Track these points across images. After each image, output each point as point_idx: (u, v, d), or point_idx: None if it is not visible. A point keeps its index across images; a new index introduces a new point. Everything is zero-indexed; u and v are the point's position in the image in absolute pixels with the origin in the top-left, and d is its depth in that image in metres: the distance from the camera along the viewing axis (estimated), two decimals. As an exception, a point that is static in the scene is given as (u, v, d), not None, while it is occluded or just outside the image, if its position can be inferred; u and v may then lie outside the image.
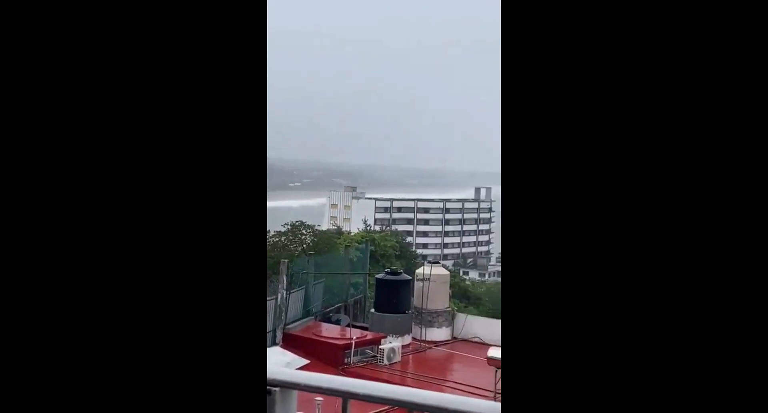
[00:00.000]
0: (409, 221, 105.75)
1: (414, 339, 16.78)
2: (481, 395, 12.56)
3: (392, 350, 14.69)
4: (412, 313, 17.08)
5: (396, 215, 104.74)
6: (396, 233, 46.69)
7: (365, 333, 15.66)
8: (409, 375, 14.48)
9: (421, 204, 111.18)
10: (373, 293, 18.08)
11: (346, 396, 2.29)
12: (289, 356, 13.55)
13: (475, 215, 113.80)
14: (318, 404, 8.46)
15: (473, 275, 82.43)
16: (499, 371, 13.07)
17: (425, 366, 15.41)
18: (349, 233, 39.63)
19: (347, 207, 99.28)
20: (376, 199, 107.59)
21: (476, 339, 17.09)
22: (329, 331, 15.84)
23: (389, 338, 15.54)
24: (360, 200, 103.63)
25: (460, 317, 17.96)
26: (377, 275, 17.91)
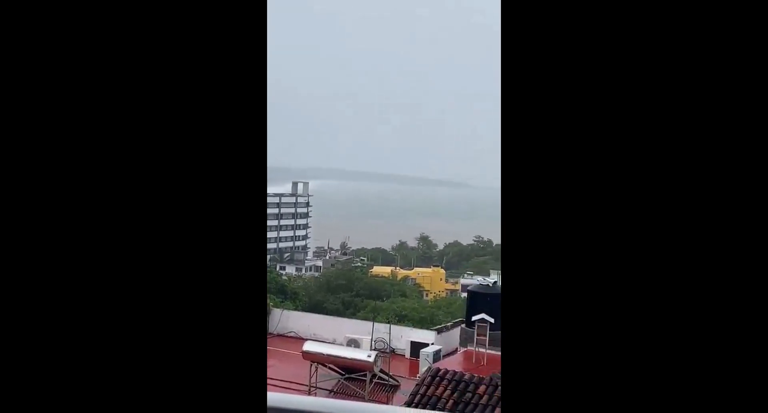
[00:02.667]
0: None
1: (228, 336, 16.46)
2: (297, 390, 12.60)
3: (205, 349, 14.31)
4: (227, 310, 16.73)
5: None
6: (210, 228, 45.50)
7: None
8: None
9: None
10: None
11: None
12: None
13: (292, 210, 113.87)
14: None
15: (290, 269, 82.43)
16: (314, 364, 13.11)
17: (240, 363, 15.16)
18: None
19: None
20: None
21: (292, 334, 17.13)
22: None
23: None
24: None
25: (276, 312, 17.90)
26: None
